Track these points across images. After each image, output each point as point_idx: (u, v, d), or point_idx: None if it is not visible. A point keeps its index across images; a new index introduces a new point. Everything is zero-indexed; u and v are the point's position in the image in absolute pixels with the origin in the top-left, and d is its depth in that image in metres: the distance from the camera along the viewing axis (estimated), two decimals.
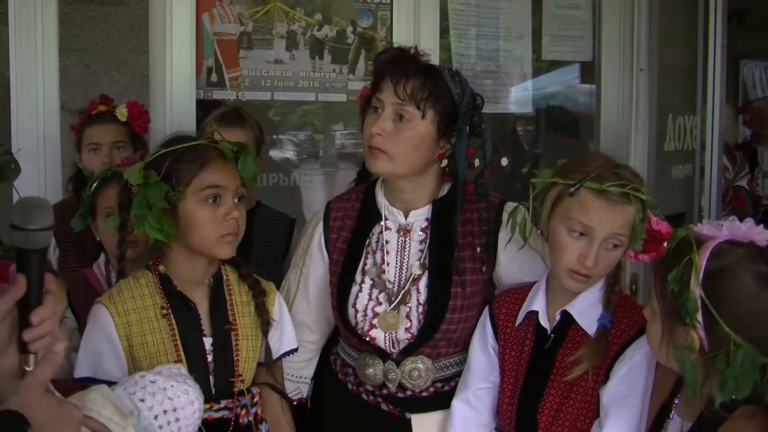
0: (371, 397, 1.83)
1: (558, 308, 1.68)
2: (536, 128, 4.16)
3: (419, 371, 1.79)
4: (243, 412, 1.67)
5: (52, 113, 2.61)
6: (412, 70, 1.71)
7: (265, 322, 1.74)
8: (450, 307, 1.75)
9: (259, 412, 1.70)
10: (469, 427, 1.77)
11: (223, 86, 2.96)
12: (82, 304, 1.85)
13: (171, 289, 1.67)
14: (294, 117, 3.75)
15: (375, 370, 1.81)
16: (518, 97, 3.46)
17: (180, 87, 2.80)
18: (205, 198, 1.62)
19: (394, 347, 1.79)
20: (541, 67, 3.56)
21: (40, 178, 2.62)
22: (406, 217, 1.82)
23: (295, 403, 1.91)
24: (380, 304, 1.79)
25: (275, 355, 1.78)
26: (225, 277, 1.75)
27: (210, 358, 1.66)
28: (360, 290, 1.81)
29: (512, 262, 1.79)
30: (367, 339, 1.79)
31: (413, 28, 3.11)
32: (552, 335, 1.68)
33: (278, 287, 1.87)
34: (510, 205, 1.76)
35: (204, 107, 2.84)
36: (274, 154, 3.71)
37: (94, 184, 2.04)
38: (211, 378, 1.65)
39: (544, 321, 1.70)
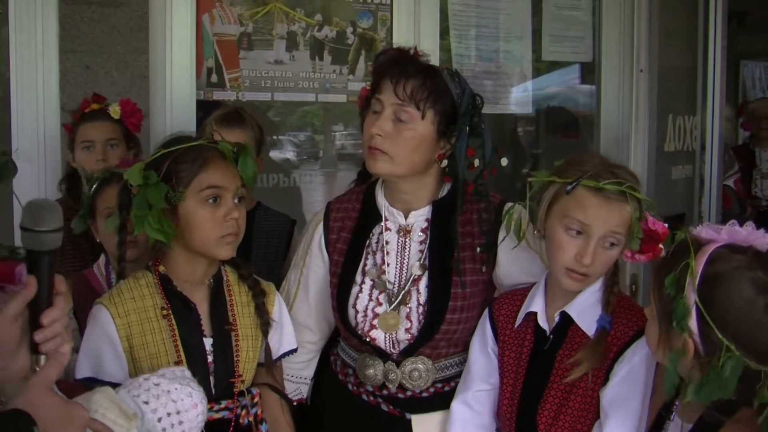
0: (371, 398, 1.83)
1: (557, 309, 1.68)
2: (536, 129, 4.16)
3: (419, 372, 1.79)
4: (243, 412, 1.67)
5: (52, 114, 2.61)
6: (411, 70, 1.71)
7: (265, 322, 1.74)
8: (450, 308, 1.75)
9: (259, 412, 1.70)
10: (468, 428, 1.77)
11: (223, 87, 2.96)
12: (82, 305, 1.85)
13: (171, 290, 1.67)
14: (294, 118, 3.75)
15: (375, 370, 1.81)
16: (518, 97, 3.46)
17: (180, 88, 2.80)
18: (205, 198, 1.62)
19: (394, 348, 1.79)
20: (541, 67, 3.56)
21: (40, 178, 2.62)
22: (406, 217, 1.82)
23: (295, 403, 1.91)
24: (380, 304, 1.79)
25: (275, 355, 1.78)
26: (225, 278, 1.75)
27: (210, 358, 1.66)
28: (360, 291, 1.81)
29: (513, 262, 1.79)
30: (368, 339, 1.79)
31: (413, 28, 3.11)
32: (551, 336, 1.68)
33: (278, 288, 1.87)
34: (518, 209, 1.75)
35: (204, 108, 2.84)
36: (274, 154, 3.71)
37: (94, 185, 2.04)
38: (212, 378, 1.65)
39: (542, 322, 1.69)
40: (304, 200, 3.52)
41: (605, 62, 3.36)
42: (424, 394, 1.81)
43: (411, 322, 1.77)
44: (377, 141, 1.72)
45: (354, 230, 1.86)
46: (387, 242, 1.81)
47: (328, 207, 1.94)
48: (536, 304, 1.71)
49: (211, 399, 1.61)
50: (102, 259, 2.09)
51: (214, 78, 2.95)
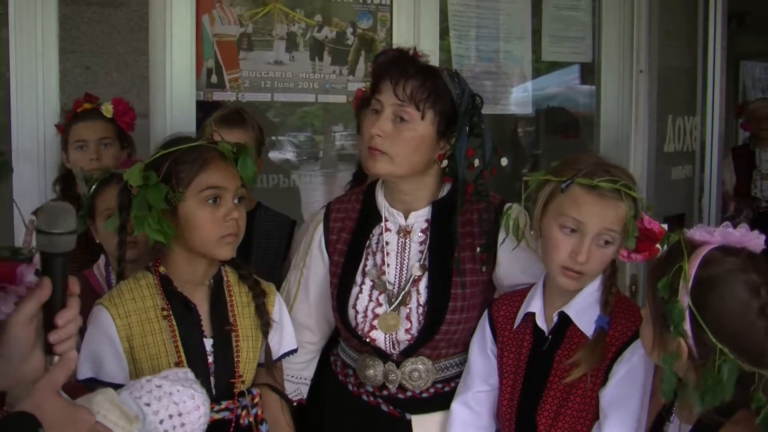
0: (371, 398, 1.83)
1: (555, 310, 1.68)
2: (536, 129, 4.16)
3: (419, 372, 1.79)
4: (243, 413, 1.67)
5: (52, 114, 2.61)
6: (411, 71, 1.71)
7: (265, 322, 1.74)
8: (450, 308, 1.75)
9: (259, 412, 1.70)
10: (468, 429, 1.77)
11: (223, 87, 2.96)
12: (82, 306, 1.83)
13: (171, 290, 1.67)
14: (294, 118, 3.76)
15: (375, 371, 1.81)
16: (518, 98, 3.46)
17: (180, 88, 2.80)
18: (205, 199, 1.62)
19: (394, 348, 1.79)
20: (541, 68, 3.56)
21: (39, 179, 2.62)
22: (406, 218, 1.82)
23: (295, 404, 1.91)
24: (380, 305, 1.79)
25: (275, 355, 1.78)
26: (225, 278, 1.75)
27: (210, 359, 1.66)
28: (360, 291, 1.81)
29: (513, 263, 1.79)
30: (368, 340, 1.79)
31: (413, 29, 3.12)
32: (549, 337, 1.68)
33: (278, 288, 1.87)
34: (516, 208, 1.76)
35: (204, 108, 2.84)
36: (274, 155, 3.71)
37: (93, 186, 2.04)
38: (212, 379, 1.65)
39: (541, 322, 1.70)
40: (304, 201, 3.53)
41: (605, 63, 3.36)
42: (424, 395, 1.81)
43: (411, 322, 1.77)
44: (377, 141, 1.72)
45: (354, 231, 1.87)
46: (387, 243, 1.81)
47: (328, 208, 1.94)
48: (535, 304, 1.71)
49: (212, 399, 1.61)
50: (102, 259, 2.09)
51: (214, 78, 2.95)
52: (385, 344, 1.79)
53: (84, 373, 1.60)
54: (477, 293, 1.79)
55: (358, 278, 1.82)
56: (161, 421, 1.34)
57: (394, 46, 1.91)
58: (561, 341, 1.67)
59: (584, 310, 1.65)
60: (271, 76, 3.03)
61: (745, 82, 7.26)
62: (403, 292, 1.78)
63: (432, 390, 1.81)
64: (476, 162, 1.76)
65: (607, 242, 1.60)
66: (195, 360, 1.63)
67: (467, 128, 1.75)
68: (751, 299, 1.29)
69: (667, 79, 3.30)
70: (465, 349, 1.82)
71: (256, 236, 2.42)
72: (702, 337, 1.30)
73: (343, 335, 1.90)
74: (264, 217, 2.49)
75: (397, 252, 1.81)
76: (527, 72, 3.40)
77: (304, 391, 1.98)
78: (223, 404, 1.65)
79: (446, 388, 1.82)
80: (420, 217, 1.81)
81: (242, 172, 1.67)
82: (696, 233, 1.40)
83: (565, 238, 1.61)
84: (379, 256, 1.82)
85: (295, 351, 1.84)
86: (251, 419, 1.68)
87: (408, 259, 1.81)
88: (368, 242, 1.84)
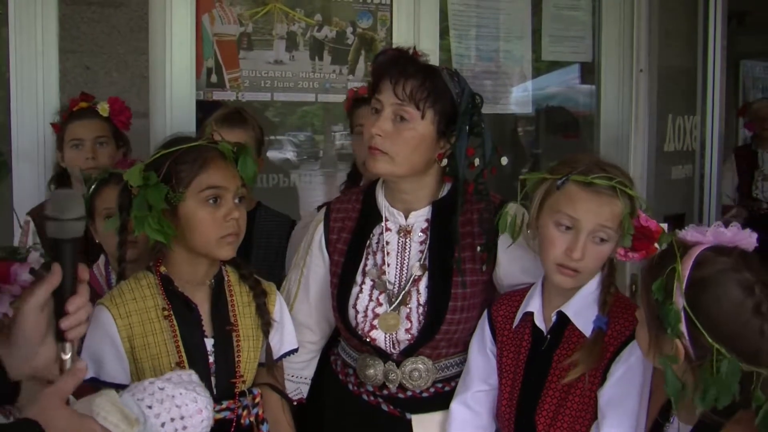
0: (372, 398, 1.84)
1: (554, 309, 1.68)
2: (536, 129, 4.16)
3: (420, 372, 1.79)
4: (244, 412, 1.67)
5: (51, 114, 2.61)
6: (410, 70, 1.71)
7: (266, 322, 1.74)
8: (450, 308, 1.75)
9: (260, 412, 1.70)
10: (467, 429, 1.77)
11: (223, 87, 2.96)
12: None
13: (172, 290, 1.67)
14: (294, 118, 3.76)
15: (375, 370, 1.81)
16: (518, 97, 3.46)
17: (180, 88, 2.81)
18: (206, 199, 1.62)
19: (394, 348, 1.79)
20: (541, 67, 3.56)
21: (39, 178, 2.63)
22: (406, 218, 1.82)
23: (295, 403, 1.91)
24: (380, 305, 1.79)
25: (276, 355, 1.78)
26: (226, 278, 1.75)
27: (211, 359, 1.66)
28: (360, 291, 1.81)
29: (513, 263, 1.79)
30: (368, 340, 1.79)
31: (413, 28, 3.12)
32: (548, 336, 1.68)
33: (278, 288, 1.87)
34: (513, 207, 1.76)
35: (204, 108, 2.84)
36: (274, 154, 3.71)
37: (93, 186, 2.04)
38: (213, 379, 1.65)
39: (539, 322, 1.69)
40: (304, 200, 3.52)
41: (605, 62, 3.36)
42: (425, 394, 1.81)
43: (411, 322, 1.77)
44: (377, 141, 1.72)
45: (354, 230, 1.87)
46: (387, 242, 1.81)
47: (328, 207, 1.94)
48: (533, 304, 1.71)
49: (213, 399, 1.61)
50: (101, 259, 2.09)
51: (213, 78, 2.95)
52: (386, 344, 1.79)
53: (87, 372, 1.60)
54: (477, 293, 1.79)
55: (359, 278, 1.82)
56: (163, 424, 1.33)
57: (394, 46, 1.91)
58: (559, 341, 1.67)
59: (582, 310, 1.65)
60: (271, 76, 3.03)
61: (745, 81, 7.25)
62: (403, 292, 1.78)
63: (432, 390, 1.81)
64: (476, 161, 1.76)
65: (602, 239, 1.60)
66: (196, 360, 1.63)
67: (467, 127, 1.75)
68: (745, 298, 1.30)
69: (667, 78, 3.30)
70: (465, 348, 1.82)
71: (257, 236, 2.42)
72: (698, 337, 1.30)
73: (343, 335, 1.90)
74: (264, 217, 2.49)
75: (398, 252, 1.81)
76: (527, 71, 3.41)
77: (304, 391, 1.98)
78: (224, 404, 1.65)
79: (446, 388, 1.82)
80: (420, 217, 1.81)
81: (242, 172, 1.67)
82: (688, 234, 1.40)
83: (560, 236, 1.61)
84: (379, 256, 1.82)
85: (295, 351, 1.84)
86: (252, 419, 1.68)
87: (408, 258, 1.81)
88: (368, 242, 1.84)
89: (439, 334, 1.76)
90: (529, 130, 4.23)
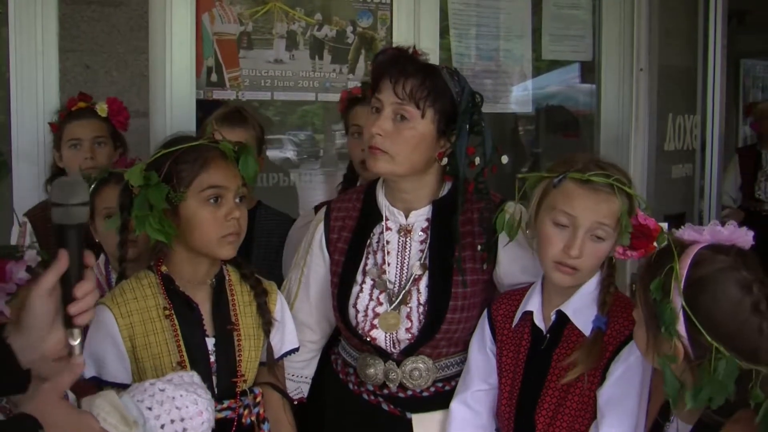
0: (372, 397, 1.84)
1: (553, 308, 1.68)
2: (536, 128, 4.16)
3: (420, 371, 1.79)
4: (246, 412, 1.67)
5: (52, 114, 2.61)
6: (410, 69, 1.71)
7: (267, 321, 1.74)
8: (450, 307, 1.75)
9: (261, 411, 1.70)
10: (467, 428, 1.76)
11: (223, 86, 2.96)
12: None
13: (173, 290, 1.67)
14: (294, 117, 3.76)
15: (376, 370, 1.81)
16: (518, 96, 3.47)
17: (180, 87, 2.81)
18: (207, 198, 1.62)
19: (394, 347, 1.79)
20: (541, 66, 3.56)
21: (40, 178, 2.62)
22: (406, 217, 1.82)
23: (295, 402, 1.91)
24: (381, 304, 1.79)
25: (277, 354, 1.78)
26: (227, 277, 1.75)
27: (212, 358, 1.66)
28: (361, 290, 1.81)
29: (513, 262, 1.79)
30: (368, 339, 1.79)
31: (413, 27, 3.12)
32: (547, 335, 1.68)
33: (278, 287, 1.88)
34: (511, 205, 1.76)
35: (204, 107, 2.84)
36: (275, 154, 3.71)
37: (93, 186, 2.04)
38: (214, 378, 1.65)
39: (538, 321, 1.69)
40: (305, 199, 3.53)
41: (605, 61, 3.36)
42: (425, 394, 1.81)
43: (411, 321, 1.77)
44: (377, 140, 1.71)
45: (355, 230, 1.86)
46: (388, 242, 1.81)
47: (328, 207, 1.94)
48: (532, 303, 1.71)
49: (214, 399, 1.61)
50: (101, 258, 2.09)
51: (213, 77, 2.95)
52: (386, 343, 1.79)
53: (88, 372, 1.60)
54: (477, 292, 1.79)
55: (359, 277, 1.82)
56: (162, 426, 1.33)
57: (394, 45, 1.91)
58: (559, 340, 1.67)
59: (582, 309, 1.65)
60: (271, 75, 3.03)
61: (745, 80, 7.26)
62: (403, 291, 1.78)
63: (432, 389, 1.81)
64: (477, 160, 1.76)
65: (599, 237, 1.60)
66: (197, 359, 1.63)
67: (467, 126, 1.75)
68: (744, 297, 1.30)
69: (668, 77, 3.31)
70: (465, 348, 1.82)
71: (257, 235, 2.42)
72: (697, 337, 1.30)
73: (343, 334, 1.90)
74: (264, 216, 2.48)
75: (398, 251, 1.81)
76: (527, 70, 3.41)
77: (304, 390, 1.98)
78: (225, 403, 1.65)
79: (447, 387, 1.82)
80: (421, 216, 1.81)
81: (243, 171, 1.67)
82: (685, 233, 1.40)
83: (557, 233, 1.61)
84: (379, 255, 1.82)
85: (296, 350, 1.84)
86: (253, 418, 1.68)
87: (408, 258, 1.81)
88: (369, 241, 1.84)
89: (439, 333, 1.76)
90: (529, 129, 4.23)
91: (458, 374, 1.82)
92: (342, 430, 1.90)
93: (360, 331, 1.80)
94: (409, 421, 1.81)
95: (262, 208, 2.50)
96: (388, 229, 1.83)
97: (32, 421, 1.05)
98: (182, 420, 1.35)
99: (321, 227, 1.91)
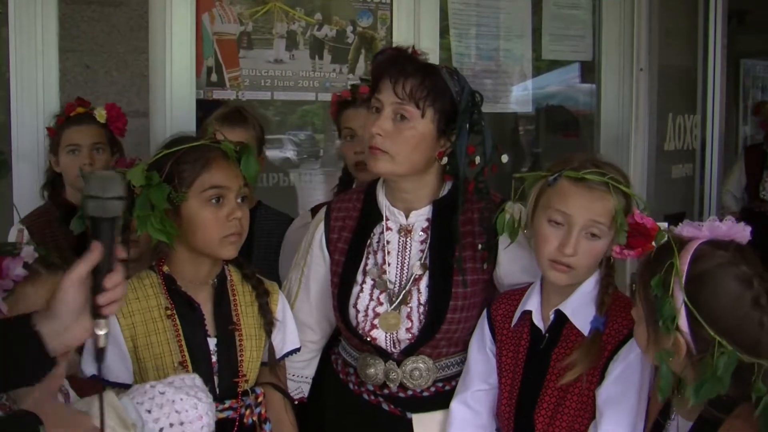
0: (372, 397, 1.84)
1: (552, 308, 1.68)
2: (536, 128, 4.16)
3: (420, 371, 1.79)
4: (247, 412, 1.67)
5: (52, 114, 2.60)
6: (410, 69, 1.71)
7: (268, 322, 1.74)
8: (451, 307, 1.75)
9: (263, 411, 1.71)
10: (467, 428, 1.77)
11: (223, 86, 2.96)
12: None
13: (175, 290, 1.67)
14: (294, 117, 3.76)
15: (376, 369, 1.81)
16: (518, 96, 3.47)
17: (180, 87, 2.80)
18: (208, 198, 1.62)
19: (395, 347, 1.79)
20: (541, 66, 3.56)
21: (39, 178, 2.62)
22: (407, 217, 1.82)
23: (296, 402, 1.91)
24: (381, 304, 1.79)
25: (278, 354, 1.78)
26: (228, 278, 1.75)
27: (214, 358, 1.66)
28: (361, 290, 1.81)
29: (513, 262, 1.79)
30: (368, 339, 1.79)
31: (413, 27, 3.12)
32: (546, 335, 1.68)
33: (279, 287, 1.88)
34: (511, 205, 1.76)
35: (204, 107, 2.84)
36: (275, 154, 3.71)
37: None
38: (216, 378, 1.65)
39: (537, 320, 1.70)
40: (305, 199, 3.52)
41: (605, 61, 3.37)
42: (425, 394, 1.81)
43: (412, 321, 1.77)
44: (378, 140, 1.72)
45: (355, 230, 1.86)
46: (388, 242, 1.81)
47: (329, 207, 1.94)
48: (531, 302, 1.71)
49: (216, 399, 1.61)
50: None
51: (214, 77, 2.95)
52: (386, 343, 1.79)
53: (90, 370, 1.60)
54: (478, 292, 1.79)
55: (359, 277, 1.82)
56: (161, 429, 1.32)
57: (394, 45, 1.91)
58: (558, 339, 1.67)
59: (580, 308, 1.65)
60: (271, 75, 3.03)
61: (745, 80, 7.26)
62: (403, 291, 1.78)
63: (433, 389, 1.81)
64: (477, 159, 1.76)
65: (594, 235, 1.60)
66: (198, 359, 1.63)
67: (467, 125, 1.75)
68: (744, 291, 1.31)
69: (668, 77, 3.31)
70: (465, 348, 1.82)
71: (257, 235, 2.42)
72: (699, 332, 1.31)
73: (344, 334, 1.90)
74: (265, 216, 2.48)
75: (398, 251, 1.81)
76: (527, 70, 3.41)
77: (305, 390, 1.98)
78: (227, 403, 1.65)
79: (447, 387, 1.82)
80: (421, 216, 1.81)
81: (245, 171, 1.67)
82: (684, 229, 1.40)
83: (553, 231, 1.61)
84: (380, 255, 1.82)
85: (298, 350, 1.84)
86: (255, 418, 1.68)
87: (409, 258, 1.81)
88: (369, 241, 1.84)
89: (439, 333, 1.76)
90: (529, 129, 4.23)
91: (458, 374, 1.82)
92: (342, 430, 1.90)
93: (360, 331, 1.80)
94: (410, 421, 1.81)
95: (262, 208, 2.50)
96: (388, 229, 1.83)
97: (32, 417, 1.05)
98: (181, 424, 1.34)
99: (321, 227, 1.91)
